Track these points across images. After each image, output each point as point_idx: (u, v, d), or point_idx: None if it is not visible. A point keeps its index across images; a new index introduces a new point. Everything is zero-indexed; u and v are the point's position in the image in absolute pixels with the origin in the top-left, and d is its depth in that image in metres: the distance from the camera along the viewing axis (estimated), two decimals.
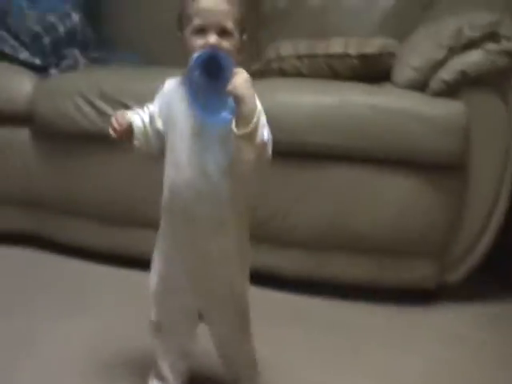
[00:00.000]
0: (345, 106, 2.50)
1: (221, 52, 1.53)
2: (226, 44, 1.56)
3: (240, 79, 1.50)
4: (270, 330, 2.15)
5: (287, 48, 2.88)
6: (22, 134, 2.87)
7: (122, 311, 2.32)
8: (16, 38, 2.97)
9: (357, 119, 2.47)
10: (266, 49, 3.02)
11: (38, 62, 2.93)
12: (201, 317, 1.78)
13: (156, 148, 1.69)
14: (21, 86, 2.83)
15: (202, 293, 1.72)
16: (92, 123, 2.67)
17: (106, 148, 2.61)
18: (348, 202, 2.53)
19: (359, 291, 2.61)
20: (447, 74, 2.49)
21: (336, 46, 2.78)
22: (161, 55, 3.02)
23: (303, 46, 2.85)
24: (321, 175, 2.53)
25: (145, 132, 1.68)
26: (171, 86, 1.68)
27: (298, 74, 2.81)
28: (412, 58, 2.60)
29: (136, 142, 1.69)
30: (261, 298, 2.47)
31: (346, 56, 2.74)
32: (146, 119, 1.69)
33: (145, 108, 1.72)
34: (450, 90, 2.49)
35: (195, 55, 1.52)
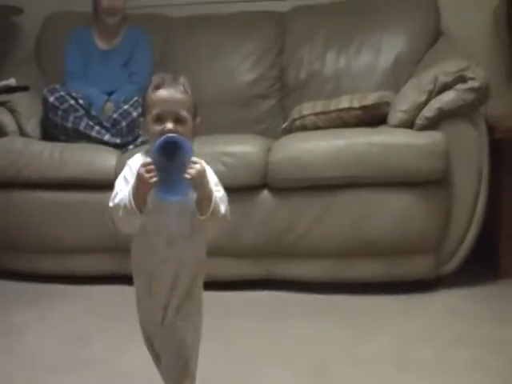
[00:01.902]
0: (350, 145, 3.26)
1: (178, 136, 1.66)
2: (180, 129, 1.72)
3: (194, 171, 1.65)
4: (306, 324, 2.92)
5: (307, 108, 3.65)
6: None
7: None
8: (99, 124, 3.75)
9: (360, 155, 3.22)
10: (291, 111, 3.78)
11: (118, 141, 3.69)
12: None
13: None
14: (107, 160, 3.53)
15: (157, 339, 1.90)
16: None
17: None
18: (358, 218, 3.25)
19: (371, 287, 3.27)
20: (428, 112, 3.25)
21: (343, 102, 3.55)
22: (209, 126, 3.74)
23: (319, 106, 3.62)
24: (335, 199, 3.27)
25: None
26: (137, 165, 1.72)
27: (316, 128, 3.56)
28: (401, 104, 3.36)
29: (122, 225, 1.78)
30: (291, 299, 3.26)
31: (351, 109, 3.50)
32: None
33: (121, 188, 1.78)
34: (432, 124, 3.25)
35: (157, 140, 1.65)
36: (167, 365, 1.88)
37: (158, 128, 1.73)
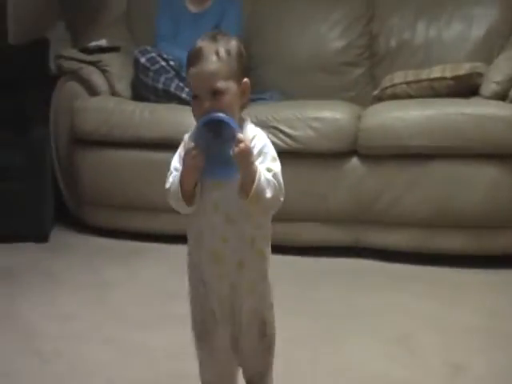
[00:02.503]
0: (442, 115, 3.26)
1: (215, 116, 1.56)
2: (219, 104, 1.59)
3: (237, 149, 1.54)
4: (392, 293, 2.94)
5: (399, 77, 3.64)
6: None
7: None
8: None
9: (451, 125, 3.21)
10: (381, 80, 3.78)
11: None
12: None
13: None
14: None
15: (230, 322, 1.74)
16: None
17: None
18: (447, 188, 3.24)
19: (458, 259, 3.24)
20: None
21: (435, 71, 3.53)
22: (297, 91, 3.86)
23: (411, 75, 3.61)
24: (425, 169, 3.27)
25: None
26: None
27: (407, 97, 3.54)
28: (495, 75, 3.35)
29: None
30: (380, 269, 3.27)
31: (443, 79, 3.48)
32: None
33: (175, 166, 1.70)
34: None
35: (199, 121, 1.60)
36: (251, 346, 1.77)
37: (196, 108, 1.63)
